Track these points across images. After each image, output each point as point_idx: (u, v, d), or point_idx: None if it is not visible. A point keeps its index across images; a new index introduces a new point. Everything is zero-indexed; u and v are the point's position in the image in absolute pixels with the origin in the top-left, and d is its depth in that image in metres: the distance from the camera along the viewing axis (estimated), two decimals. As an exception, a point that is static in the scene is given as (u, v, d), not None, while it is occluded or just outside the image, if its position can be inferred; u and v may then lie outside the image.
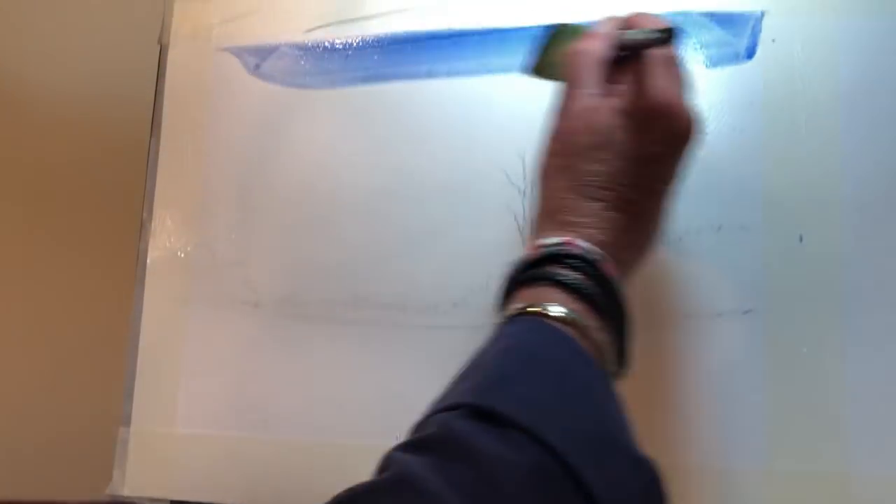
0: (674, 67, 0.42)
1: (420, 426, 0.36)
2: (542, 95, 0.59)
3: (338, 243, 0.61)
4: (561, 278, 0.40)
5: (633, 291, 0.53)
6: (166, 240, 0.65)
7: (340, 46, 0.64)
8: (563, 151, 0.43)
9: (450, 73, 0.61)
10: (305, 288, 0.61)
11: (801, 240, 0.54)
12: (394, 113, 0.62)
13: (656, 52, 0.42)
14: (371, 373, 0.59)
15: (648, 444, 0.54)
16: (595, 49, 0.44)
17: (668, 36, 0.42)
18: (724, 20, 0.57)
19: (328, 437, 0.59)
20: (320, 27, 0.64)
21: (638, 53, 0.43)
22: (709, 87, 0.56)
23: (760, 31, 0.57)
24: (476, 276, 0.58)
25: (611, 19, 0.46)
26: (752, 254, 0.54)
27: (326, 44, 0.64)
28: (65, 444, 0.88)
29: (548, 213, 0.44)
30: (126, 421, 0.63)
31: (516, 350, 0.38)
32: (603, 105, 0.42)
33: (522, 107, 0.59)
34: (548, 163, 0.44)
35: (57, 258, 0.89)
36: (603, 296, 0.40)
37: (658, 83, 0.41)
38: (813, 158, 0.54)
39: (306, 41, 0.64)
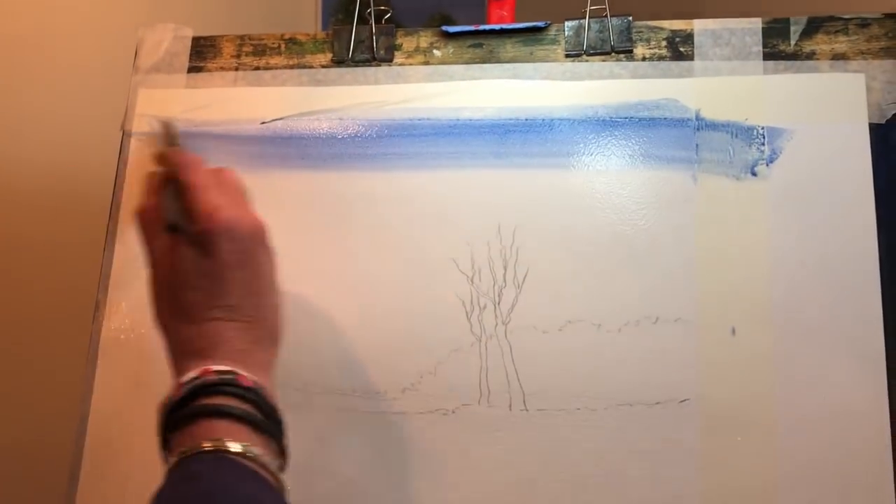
0: (211, 189, 0.48)
1: None
2: (488, 185, 0.62)
3: (286, 328, 0.62)
4: (221, 409, 0.42)
5: (573, 379, 0.55)
6: (120, 321, 0.65)
7: (296, 136, 0.66)
8: (164, 294, 0.48)
9: (399, 166, 0.64)
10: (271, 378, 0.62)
11: (733, 332, 0.57)
12: (344, 203, 0.64)
13: (186, 180, 0.48)
14: (317, 457, 0.60)
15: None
16: (145, 207, 0.50)
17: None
18: (663, 123, 0.61)
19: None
20: (277, 119, 0.67)
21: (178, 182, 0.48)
22: (644, 185, 0.60)
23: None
24: (425, 363, 0.60)
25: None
26: (688, 345, 0.57)
27: (283, 134, 0.66)
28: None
29: (177, 350, 0.47)
30: (69, 503, 0.62)
31: (215, 496, 0.39)
32: (173, 244, 0.47)
33: (468, 196, 0.62)
34: (156, 308, 0.49)
35: (7, 334, 0.88)
36: (254, 408, 0.43)
37: (198, 207, 0.46)
38: (744, 256, 0.57)
39: (264, 132, 0.67)
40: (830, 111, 0.59)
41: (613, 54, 0.63)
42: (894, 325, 0.55)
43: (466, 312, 0.60)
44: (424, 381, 0.60)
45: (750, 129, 0.59)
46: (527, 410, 0.58)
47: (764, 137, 0.59)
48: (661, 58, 0.62)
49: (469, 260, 0.61)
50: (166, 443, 0.44)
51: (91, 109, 0.88)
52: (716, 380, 0.56)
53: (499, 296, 0.60)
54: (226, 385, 0.43)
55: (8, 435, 0.85)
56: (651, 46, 0.62)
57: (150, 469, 0.61)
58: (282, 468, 0.44)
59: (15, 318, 0.87)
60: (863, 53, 0.59)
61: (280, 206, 0.65)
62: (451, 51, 0.66)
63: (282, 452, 0.45)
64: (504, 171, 0.62)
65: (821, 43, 0.60)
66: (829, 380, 0.55)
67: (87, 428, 0.63)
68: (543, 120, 0.62)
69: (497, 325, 0.60)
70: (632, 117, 0.61)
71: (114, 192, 0.67)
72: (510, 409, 0.58)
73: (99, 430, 0.63)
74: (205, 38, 0.70)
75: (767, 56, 0.60)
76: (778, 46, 0.60)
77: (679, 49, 0.62)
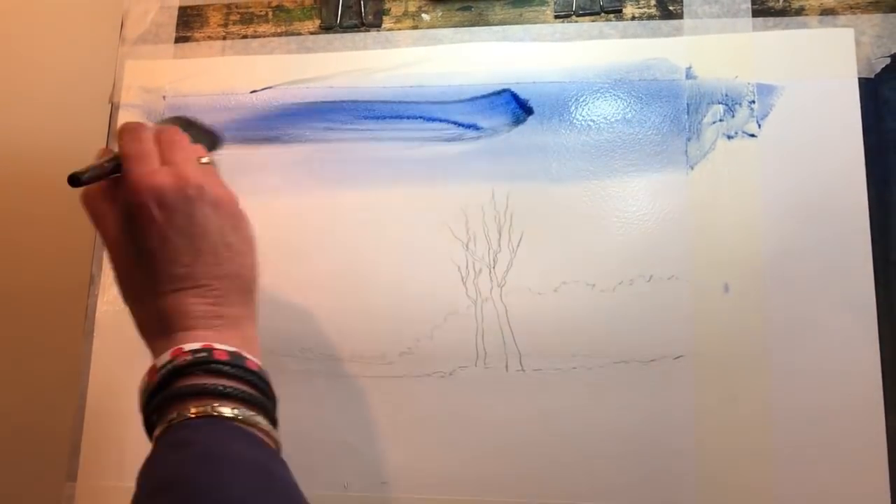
0: (144, 157, 0.45)
1: None
2: (480, 150, 0.63)
3: (282, 295, 0.63)
4: (188, 389, 0.41)
5: (568, 339, 0.56)
6: (115, 293, 0.65)
7: (287, 106, 0.66)
8: (119, 273, 0.46)
9: (390, 133, 0.64)
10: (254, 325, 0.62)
11: (726, 289, 0.57)
12: (336, 170, 0.64)
13: (122, 151, 0.46)
14: (318, 423, 0.60)
15: (585, 485, 0.56)
16: (88, 193, 0.47)
17: (116, 164, 0.46)
18: (654, 82, 0.61)
19: (276, 488, 0.60)
20: (267, 88, 0.66)
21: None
22: (636, 145, 0.60)
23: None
24: (422, 327, 0.60)
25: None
26: (681, 302, 0.57)
27: (273, 102, 0.66)
28: (9, 501, 0.87)
29: (144, 331, 0.45)
30: (72, 476, 0.62)
31: (212, 457, 0.38)
32: (110, 218, 0.45)
33: (461, 162, 0.62)
34: (120, 291, 0.47)
35: (4, 311, 0.88)
36: (236, 381, 0.42)
37: (126, 179, 0.44)
38: (736, 213, 0.58)
39: (254, 101, 0.66)
40: (820, 66, 0.59)
41: (603, 14, 0.63)
42: (885, 277, 0.55)
43: (462, 277, 0.61)
44: (421, 344, 0.60)
45: (740, 86, 0.59)
46: (523, 371, 0.58)
47: (754, 94, 0.59)
48: (650, 17, 0.62)
49: (464, 225, 0.61)
50: (150, 426, 0.42)
51: (78, 82, 0.87)
52: (709, 336, 0.57)
53: (494, 260, 0.61)
54: (201, 364, 0.41)
55: (8, 410, 0.85)
56: (640, 6, 0.62)
57: (148, 440, 0.62)
58: (274, 426, 0.43)
59: (9, 294, 0.87)
60: (851, 8, 0.59)
61: (271, 175, 0.65)
62: (440, 14, 0.65)
63: (272, 417, 0.44)
64: (495, 135, 0.62)
65: (809, -2, 0.60)
66: (821, 333, 0.55)
67: (86, 402, 0.64)
68: (534, 82, 0.62)
69: (492, 288, 0.60)
70: (622, 78, 0.61)
71: (104, 164, 0.67)
72: (507, 370, 0.59)
73: (98, 401, 0.64)
74: (191, 8, 0.69)
75: (756, 13, 0.60)
76: (767, 3, 0.60)
77: (668, 7, 0.62)
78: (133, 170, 0.44)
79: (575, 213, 0.60)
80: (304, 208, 0.64)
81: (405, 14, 0.66)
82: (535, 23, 0.64)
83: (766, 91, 0.59)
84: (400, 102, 0.64)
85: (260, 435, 0.41)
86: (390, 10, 0.66)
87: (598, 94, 0.61)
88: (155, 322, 0.44)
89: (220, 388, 0.41)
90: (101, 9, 0.84)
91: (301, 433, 0.60)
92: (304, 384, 0.61)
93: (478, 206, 0.62)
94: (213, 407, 0.40)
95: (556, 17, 0.64)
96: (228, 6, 0.69)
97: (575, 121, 0.61)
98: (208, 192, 0.45)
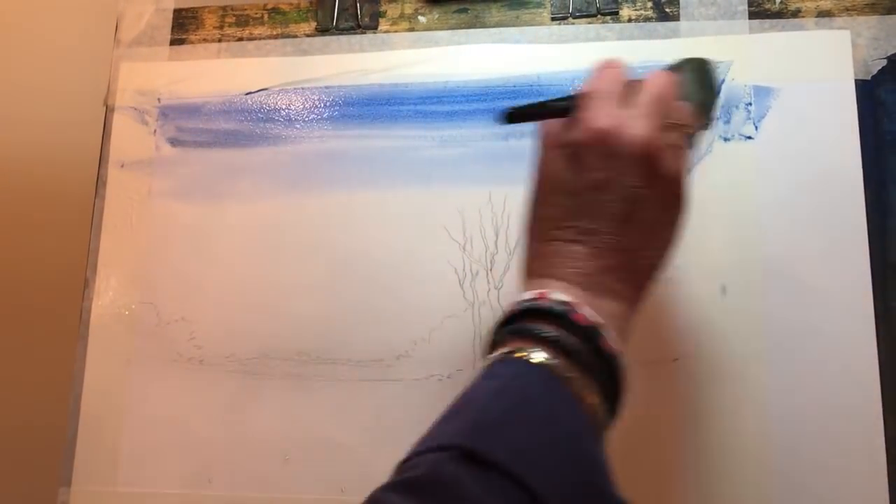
0: (612, 99, 0.43)
1: (407, 465, 0.35)
2: (477, 152, 0.62)
3: (281, 299, 0.62)
4: (536, 332, 0.40)
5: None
6: (110, 297, 0.65)
7: (282, 108, 0.66)
8: (530, 205, 0.45)
9: (387, 135, 0.64)
10: (249, 344, 0.62)
11: (723, 291, 0.57)
12: (333, 172, 0.64)
13: (585, 91, 0.44)
14: (315, 427, 0.60)
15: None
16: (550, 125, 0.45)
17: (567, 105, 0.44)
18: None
19: (273, 493, 0.60)
20: (262, 90, 0.66)
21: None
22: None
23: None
24: (419, 330, 0.60)
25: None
26: (679, 305, 0.57)
27: (269, 105, 0.66)
28: (2, 505, 0.86)
29: (526, 267, 0.45)
30: (66, 481, 0.62)
31: (506, 392, 0.38)
32: (550, 154, 0.44)
33: (458, 164, 0.62)
34: (526, 219, 0.46)
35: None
36: (579, 344, 0.39)
37: (584, 115, 0.42)
38: (733, 215, 0.58)
39: (249, 103, 0.66)
40: (816, 69, 0.59)
41: (599, 16, 0.63)
42: (882, 278, 0.55)
43: (459, 279, 0.60)
44: (419, 347, 0.60)
45: (737, 88, 0.59)
46: (521, 374, 0.58)
47: (751, 96, 0.59)
48: (647, 19, 0.62)
49: (460, 228, 0.61)
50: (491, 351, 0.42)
51: (73, 84, 0.86)
52: (707, 338, 0.57)
53: (491, 262, 0.60)
54: (554, 314, 0.40)
55: (1, 415, 0.85)
56: (637, 7, 0.62)
57: (142, 445, 0.62)
58: (609, 411, 0.40)
59: (2, 298, 0.86)
60: (847, 10, 0.59)
61: (266, 177, 0.65)
62: (437, 17, 0.65)
63: (610, 398, 0.40)
64: (493, 137, 0.62)
65: (806, 0, 0.60)
66: (818, 335, 0.55)
67: (80, 407, 0.63)
68: (531, 85, 0.62)
69: (489, 290, 0.60)
70: (619, 79, 0.61)
71: (99, 167, 0.67)
72: (505, 373, 0.58)
73: (92, 406, 0.63)
74: (186, 10, 0.69)
75: (753, 15, 0.60)
76: (763, 5, 0.60)
77: (665, 10, 0.62)
78: (595, 107, 0.42)
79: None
80: (299, 211, 0.64)
81: (401, 16, 0.66)
82: (532, 25, 0.64)
83: (762, 93, 0.59)
84: (396, 104, 0.64)
85: (573, 396, 0.39)
86: (386, 12, 0.66)
87: (595, 97, 0.61)
88: (531, 262, 0.44)
89: (554, 335, 0.39)
90: (96, 11, 0.83)
91: (298, 437, 0.60)
92: (301, 387, 0.61)
93: (475, 208, 0.61)
94: (527, 352, 0.39)
95: (553, 19, 0.64)
96: (224, 8, 0.68)
97: (572, 123, 0.61)
98: (672, 169, 0.42)
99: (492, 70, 0.63)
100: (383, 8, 0.66)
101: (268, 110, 0.66)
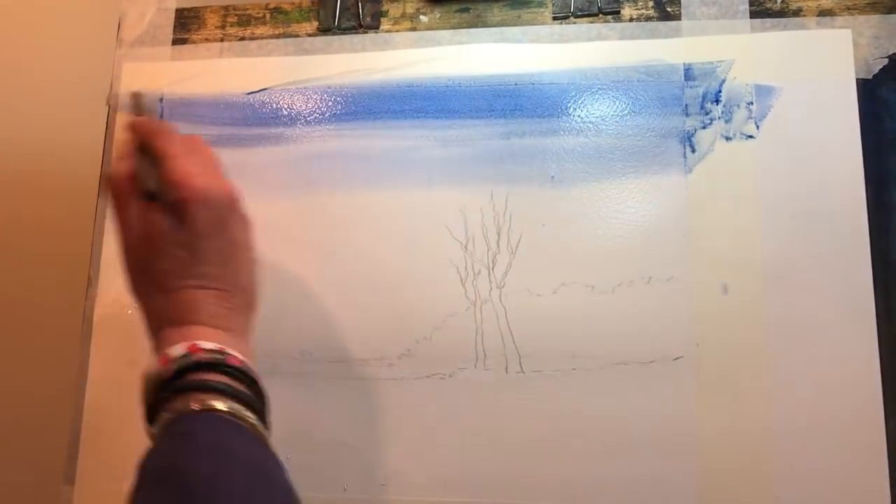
0: (185, 156, 0.46)
1: None
2: (479, 151, 0.63)
3: (282, 298, 0.62)
4: (212, 385, 0.42)
5: (568, 340, 0.56)
6: (113, 296, 0.65)
7: (284, 107, 0.66)
8: (135, 264, 0.47)
9: (389, 134, 0.64)
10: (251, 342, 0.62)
11: (725, 290, 0.57)
12: (335, 172, 0.64)
13: (159, 148, 0.46)
14: (317, 426, 0.60)
15: (585, 486, 0.56)
16: (117, 175, 0.48)
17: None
18: (652, 84, 0.61)
19: (276, 491, 0.60)
20: (264, 90, 0.66)
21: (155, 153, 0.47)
22: (634, 146, 0.60)
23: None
24: (421, 329, 0.60)
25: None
26: (680, 303, 0.57)
27: (271, 104, 0.66)
28: (6, 503, 0.86)
29: (152, 321, 0.46)
30: (70, 479, 0.62)
31: (215, 448, 0.40)
32: (147, 213, 0.46)
33: (460, 163, 0.62)
34: (130, 278, 0.48)
35: (1, 314, 0.88)
36: (243, 386, 0.43)
37: (173, 175, 0.45)
38: (735, 214, 0.58)
39: (251, 102, 0.66)
40: (818, 68, 0.59)
41: (601, 16, 0.63)
42: (883, 277, 0.55)
43: (461, 278, 0.61)
44: (421, 346, 0.60)
45: (738, 87, 0.60)
46: (523, 372, 0.58)
47: (752, 95, 0.59)
48: (648, 18, 0.62)
49: (462, 227, 0.61)
50: (152, 415, 0.43)
51: (75, 84, 0.87)
52: (708, 337, 0.57)
53: (492, 261, 0.61)
54: (216, 365, 0.43)
55: (5, 414, 0.85)
56: (638, 7, 0.62)
57: (145, 444, 0.62)
58: (266, 429, 0.44)
59: (6, 297, 0.87)
60: (849, 9, 0.59)
61: (268, 177, 0.65)
62: (438, 16, 0.65)
63: (266, 421, 0.45)
64: (494, 137, 0.62)
65: (807, -1, 0.60)
66: (819, 333, 0.56)
67: (84, 404, 0.64)
68: (533, 84, 0.62)
69: (491, 289, 0.60)
70: (620, 79, 0.61)
71: (102, 166, 0.67)
72: (506, 372, 0.59)
73: (96, 404, 0.64)
74: (188, 10, 0.69)
75: (754, 14, 0.60)
76: (764, 4, 0.60)
77: (666, 9, 0.62)
78: (178, 167, 0.45)
79: (573, 215, 0.60)
80: (301, 210, 0.64)
81: (403, 16, 0.66)
82: (534, 24, 0.64)
83: (764, 92, 0.59)
84: (398, 104, 0.64)
85: (259, 436, 0.42)
86: (388, 11, 0.66)
87: (597, 96, 0.61)
88: (165, 312, 0.45)
89: (232, 389, 0.42)
90: (98, 11, 0.84)
91: (300, 435, 0.60)
92: (304, 386, 0.61)
93: (476, 207, 0.61)
94: (226, 403, 0.41)
95: (555, 18, 0.64)
96: (226, 8, 0.68)
97: (573, 122, 0.61)
98: (241, 204, 0.47)
99: (493, 69, 0.63)
100: (385, 7, 0.66)
101: (270, 110, 0.66)
